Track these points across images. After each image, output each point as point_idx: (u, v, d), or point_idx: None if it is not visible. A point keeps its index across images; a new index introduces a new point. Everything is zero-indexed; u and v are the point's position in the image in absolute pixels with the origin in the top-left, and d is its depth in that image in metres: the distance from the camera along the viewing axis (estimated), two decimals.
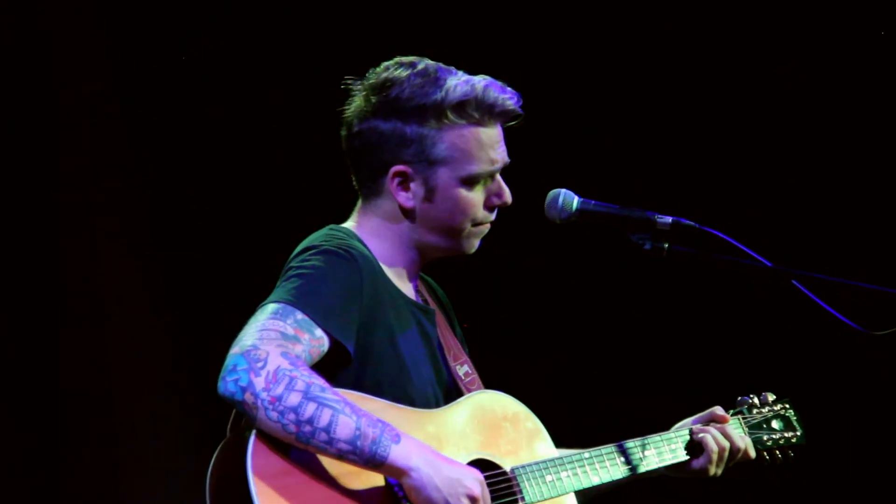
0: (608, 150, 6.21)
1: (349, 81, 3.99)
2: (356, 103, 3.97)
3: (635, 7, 6.27)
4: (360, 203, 4.02)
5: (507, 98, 3.93)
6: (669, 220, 3.92)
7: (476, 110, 3.91)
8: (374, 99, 3.92)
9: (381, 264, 3.92)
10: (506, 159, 3.99)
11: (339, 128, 4.00)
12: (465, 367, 4.06)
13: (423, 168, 3.92)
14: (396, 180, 3.93)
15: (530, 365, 6.16)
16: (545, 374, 6.26)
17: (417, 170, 3.92)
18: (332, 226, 3.96)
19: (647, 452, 4.15)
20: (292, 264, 3.79)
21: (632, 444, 4.14)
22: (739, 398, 4.43)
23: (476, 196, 3.95)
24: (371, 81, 3.94)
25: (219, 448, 3.63)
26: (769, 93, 6.22)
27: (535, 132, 4.26)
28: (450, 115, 3.90)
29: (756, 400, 4.43)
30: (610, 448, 4.09)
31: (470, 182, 3.94)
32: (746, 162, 6.30)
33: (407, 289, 4.00)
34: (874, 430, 6.18)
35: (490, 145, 3.95)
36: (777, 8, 6.13)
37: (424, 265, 4.05)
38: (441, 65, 3.95)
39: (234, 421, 3.71)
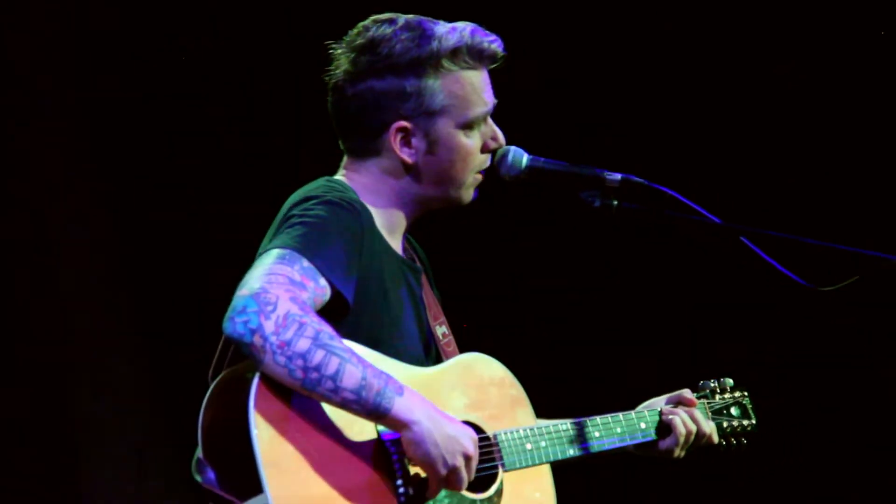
0: (605, 149, 6.28)
1: (332, 45, 4.03)
2: (344, 67, 4.00)
3: (634, 6, 6.36)
4: (348, 160, 4.06)
5: (492, 41, 4.03)
6: (619, 176, 3.99)
7: (468, 55, 4.00)
8: (364, 59, 3.98)
9: (375, 220, 3.97)
10: (495, 100, 4.08)
11: (324, 94, 4.03)
12: (444, 328, 4.12)
13: (424, 121, 3.98)
14: (398, 136, 3.99)
15: (505, 334, 6.20)
16: (521, 343, 6.32)
17: (418, 124, 3.98)
18: (327, 177, 4.01)
19: (618, 429, 4.24)
20: (294, 212, 3.81)
21: (604, 419, 4.22)
22: (702, 382, 4.52)
23: (474, 142, 4.03)
24: (357, 42, 3.99)
25: (212, 388, 3.62)
26: (769, 93, 6.31)
27: (532, 129, 4.38)
28: (445, 64, 3.98)
29: (717, 385, 4.54)
30: (584, 421, 4.16)
31: (468, 127, 4.01)
32: (743, 160, 6.38)
33: (397, 245, 4.06)
34: (870, 430, 6.29)
35: (482, 87, 4.04)
36: (777, 7, 6.22)
37: (413, 223, 4.10)
38: (419, 16, 4.03)
39: (216, 366, 3.71)
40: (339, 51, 4.02)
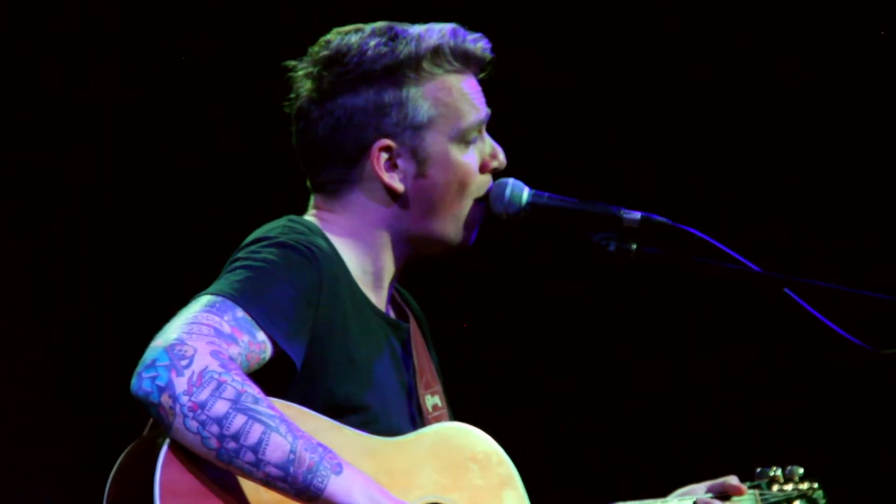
0: (604, 150, 5.81)
1: (289, 66, 3.52)
2: (307, 87, 3.47)
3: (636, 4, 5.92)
4: (317, 199, 3.52)
5: (476, 39, 3.49)
6: (638, 215, 3.41)
7: (453, 57, 3.45)
8: (330, 74, 3.43)
9: (349, 267, 3.41)
10: (488, 111, 3.51)
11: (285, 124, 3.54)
12: (436, 399, 3.55)
13: (410, 137, 3.43)
14: (382, 158, 3.43)
15: (513, 401, 5.65)
16: (530, 410, 5.75)
17: (403, 141, 3.43)
18: (291, 217, 3.45)
19: None
20: (239, 255, 3.28)
21: None
22: (759, 469, 3.82)
23: (471, 159, 3.47)
24: (320, 56, 3.46)
25: (123, 454, 3.14)
26: (771, 91, 5.85)
27: (529, 130, 3.77)
28: (426, 67, 3.44)
29: (779, 473, 3.81)
30: None
31: (462, 141, 3.45)
32: (743, 162, 5.87)
33: (378, 299, 3.49)
34: None
35: (473, 94, 3.48)
36: (779, 7, 5.80)
37: (403, 270, 3.53)
38: (388, 21, 3.50)
39: (152, 424, 3.21)
40: (300, 71, 3.50)
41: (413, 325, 3.59)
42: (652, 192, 5.49)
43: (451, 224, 3.46)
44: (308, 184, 3.54)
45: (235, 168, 5.81)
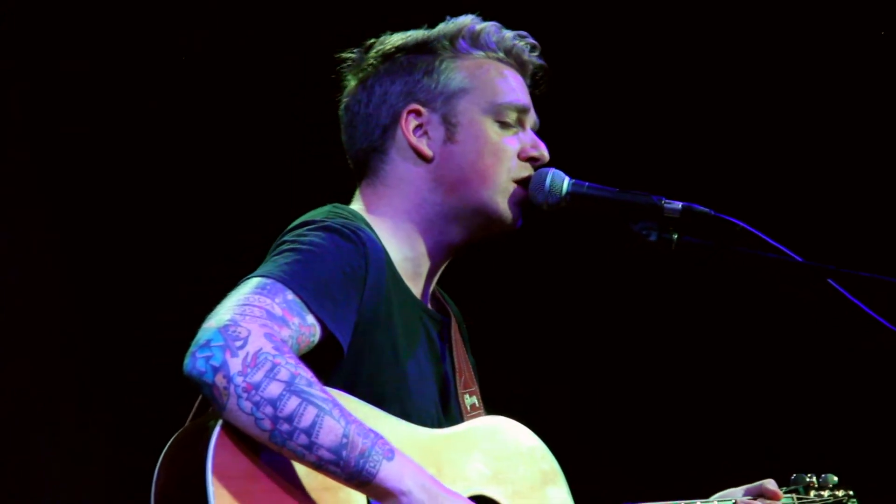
0: (644, 139, 5.78)
1: (340, 58, 3.56)
2: (350, 83, 3.54)
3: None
4: (360, 187, 3.52)
5: (523, 37, 3.50)
6: (679, 205, 3.36)
7: (496, 46, 3.48)
8: (370, 61, 3.49)
9: (392, 256, 3.38)
10: (533, 113, 3.49)
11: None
12: (474, 399, 3.52)
13: (441, 104, 3.44)
14: (412, 123, 3.43)
15: (549, 402, 5.58)
16: (567, 410, 5.70)
17: (434, 107, 3.44)
18: (336, 203, 3.43)
19: None
20: (286, 238, 3.25)
21: None
22: (795, 475, 3.80)
23: (507, 139, 3.45)
24: (366, 46, 3.52)
25: (173, 438, 3.07)
26: (815, 81, 5.82)
27: (568, 120, 3.75)
28: (464, 44, 3.47)
29: (815, 480, 3.80)
30: None
31: (495, 116, 3.44)
32: (787, 151, 5.82)
33: (417, 289, 3.46)
34: None
35: (514, 86, 3.48)
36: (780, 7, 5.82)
37: (444, 261, 3.49)
38: None
39: (198, 408, 3.17)
40: (348, 68, 3.55)
41: (453, 323, 3.56)
42: (692, 182, 5.47)
43: (489, 197, 3.42)
44: (350, 165, 3.53)
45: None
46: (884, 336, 3.29)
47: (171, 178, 5.65)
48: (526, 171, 3.46)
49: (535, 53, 3.54)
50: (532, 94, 3.54)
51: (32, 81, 5.58)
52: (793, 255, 3.30)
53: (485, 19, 3.55)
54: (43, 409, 5.49)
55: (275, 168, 5.69)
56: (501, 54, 3.50)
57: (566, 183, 3.45)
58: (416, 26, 3.58)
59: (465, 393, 3.49)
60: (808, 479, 3.79)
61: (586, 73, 5.80)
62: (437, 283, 3.55)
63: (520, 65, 3.52)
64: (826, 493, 3.80)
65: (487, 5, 3.65)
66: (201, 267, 5.44)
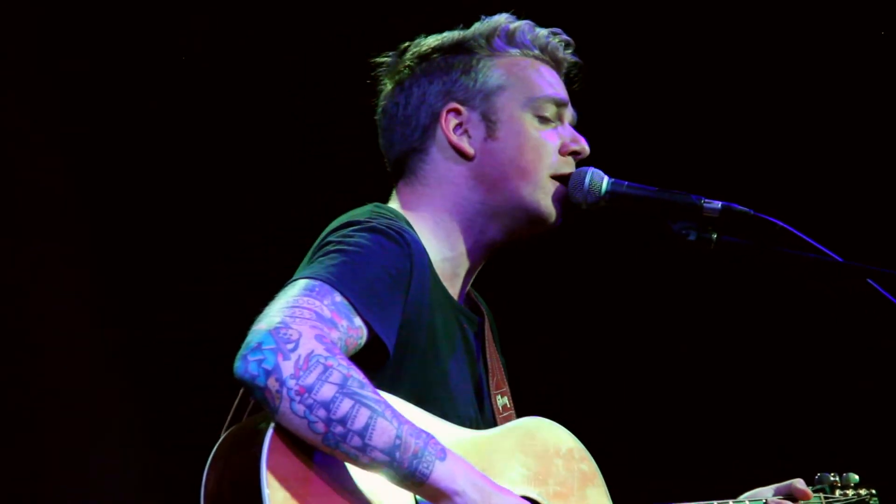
0: (682, 139, 5.78)
1: (375, 62, 3.56)
2: (387, 80, 3.54)
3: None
4: (399, 186, 3.52)
5: (556, 34, 3.53)
6: (719, 205, 3.38)
7: (531, 43, 3.50)
8: (406, 63, 3.50)
9: (431, 257, 3.38)
10: (571, 108, 3.52)
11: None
12: (505, 400, 3.53)
13: (481, 101, 3.46)
14: (451, 121, 3.44)
15: (576, 402, 5.59)
16: (594, 410, 5.69)
17: (474, 105, 3.46)
18: (377, 203, 3.43)
19: None
20: (331, 238, 3.24)
21: None
22: (819, 474, 3.84)
23: (548, 136, 3.46)
24: (400, 49, 3.53)
25: (218, 445, 3.06)
26: (850, 84, 5.84)
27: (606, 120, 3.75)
28: (499, 44, 3.48)
29: (838, 479, 3.84)
30: None
31: (535, 111, 3.46)
32: (826, 153, 5.82)
33: (454, 289, 3.47)
34: None
35: (551, 81, 3.50)
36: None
37: (482, 260, 3.50)
38: None
39: (237, 408, 3.17)
40: (383, 72, 3.56)
41: (486, 323, 3.57)
42: (731, 182, 5.47)
43: (530, 193, 3.43)
44: (388, 167, 3.54)
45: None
46: None
47: (170, 178, 5.63)
48: (567, 166, 3.48)
49: (570, 50, 3.57)
50: (569, 91, 3.56)
51: (32, 81, 5.57)
52: (832, 254, 3.31)
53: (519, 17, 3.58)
54: (90, 413, 5.50)
55: (275, 168, 5.67)
56: (537, 51, 3.51)
57: (605, 182, 3.46)
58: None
59: (497, 394, 3.51)
60: (832, 479, 3.83)
61: (624, 71, 5.78)
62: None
63: (555, 61, 3.54)
64: (850, 493, 3.83)
65: (504, 5, 3.69)
66: (208, 266, 5.43)
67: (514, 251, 3.57)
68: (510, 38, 3.50)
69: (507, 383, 3.57)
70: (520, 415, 3.52)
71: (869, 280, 3.30)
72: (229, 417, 3.21)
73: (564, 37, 3.57)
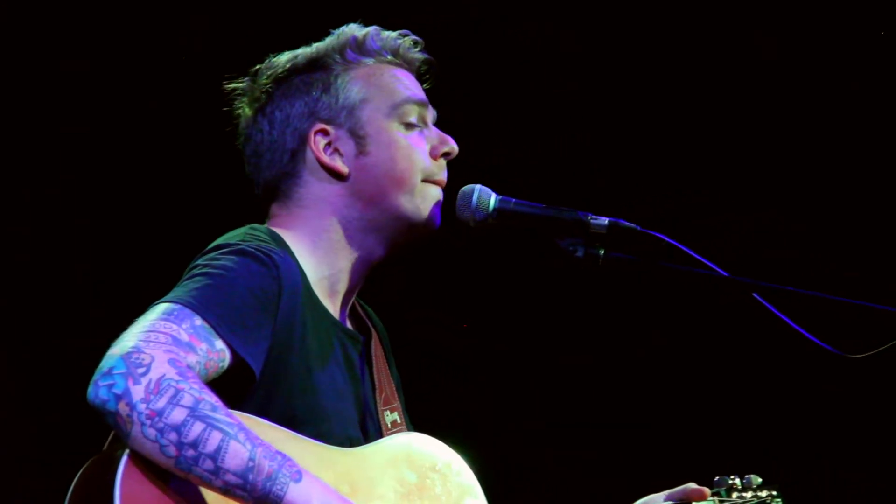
0: (570, 154, 5.71)
1: (228, 89, 3.57)
2: (245, 103, 3.55)
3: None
4: (272, 207, 3.52)
5: (405, 36, 3.52)
6: (605, 221, 3.36)
7: (382, 49, 3.50)
8: (263, 87, 3.50)
9: (308, 276, 3.37)
10: (432, 107, 3.51)
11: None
12: (395, 416, 3.52)
13: (345, 118, 3.45)
14: (320, 142, 3.44)
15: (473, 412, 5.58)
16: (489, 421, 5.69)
17: (340, 122, 3.45)
18: (253, 225, 3.42)
19: None
20: (198, 262, 3.24)
21: None
22: (717, 478, 3.77)
23: (415, 141, 3.46)
24: (253, 72, 3.55)
25: (81, 471, 3.05)
26: (737, 95, 5.81)
27: (494, 135, 3.73)
28: (352, 56, 3.48)
29: (738, 482, 3.77)
30: None
31: (399, 118, 3.46)
32: (711, 166, 5.77)
33: (334, 307, 3.46)
34: None
35: (405, 79, 3.50)
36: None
37: (364, 276, 3.49)
38: None
39: (113, 437, 3.15)
40: (238, 92, 3.57)
41: (374, 340, 3.57)
42: (618, 197, 5.43)
43: (407, 201, 3.44)
44: (258, 191, 3.54)
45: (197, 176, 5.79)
46: (808, 346, 3.27)
47: (170, 178, 5.69)
48: (439, 169, 3.49)
49: (419, 49, 3.55)
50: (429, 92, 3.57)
51: (32, 81, 5.64)
52: (718, 269, 3.30)
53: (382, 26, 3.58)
54: None
55: None
56: (390, 56, 3.52)
57: (493, 199, 3.44)
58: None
59: (385, 410, 3.49)
60: (730, 481, 3.77)
61: (515, 86, 5.74)
62: (359, 296, 3.55)
63: (408, 63, 3.54)
64: (749, 495, 3.76)
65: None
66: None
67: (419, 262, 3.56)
68: (361, 48, 3.49)
69: (398, 399, 3.56)
70: (423, 428, 3.50)
71: (754, 294, 3.29)
72: (107, 442, 3.22)
73: (413, 37, 3.56)
